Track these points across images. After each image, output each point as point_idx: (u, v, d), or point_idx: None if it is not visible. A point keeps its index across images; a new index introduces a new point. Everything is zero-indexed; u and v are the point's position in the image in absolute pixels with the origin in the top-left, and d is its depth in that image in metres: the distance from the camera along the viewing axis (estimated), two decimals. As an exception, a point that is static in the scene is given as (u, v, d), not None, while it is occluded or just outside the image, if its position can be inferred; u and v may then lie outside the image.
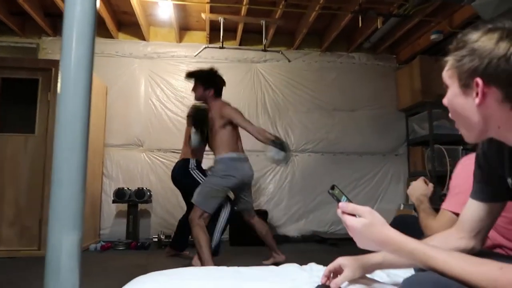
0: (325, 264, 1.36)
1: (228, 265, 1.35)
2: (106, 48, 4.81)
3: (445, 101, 0.90)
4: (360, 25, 4.21)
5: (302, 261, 2.84)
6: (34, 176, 3.70)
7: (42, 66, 3.92)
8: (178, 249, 3.67)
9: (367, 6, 4.07)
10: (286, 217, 4.86)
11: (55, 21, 4.64)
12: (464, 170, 1.34)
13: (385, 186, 5.08)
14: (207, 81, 3.18)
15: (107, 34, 4.76)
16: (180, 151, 4.79)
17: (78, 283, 1.14)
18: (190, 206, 3.30)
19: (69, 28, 1.20)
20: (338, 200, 0.86)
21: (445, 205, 1.37)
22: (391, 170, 5.14)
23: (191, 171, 3.42)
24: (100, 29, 4.60)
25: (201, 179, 3.30)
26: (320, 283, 0.97)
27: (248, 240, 4.37)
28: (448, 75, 0.85)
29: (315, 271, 1.19)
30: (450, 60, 0.85)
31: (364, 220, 0.82)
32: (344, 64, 5.28)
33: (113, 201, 4.36)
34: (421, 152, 4.85)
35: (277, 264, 2.91)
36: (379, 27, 4.29)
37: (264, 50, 4.73)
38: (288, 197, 4.92)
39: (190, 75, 3.30)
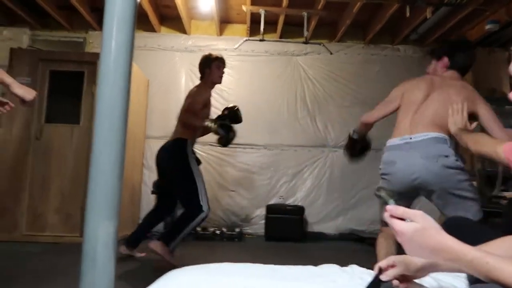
0: (366, 265, 1.28)
1: (263, 262, 1.30)
2: (149, 42, 4.89)
3: (511, 95, 0.78)
4: (407, 15, 4.00)
5: (339, 260, 2.74)
6: (78, 165, 3.83)
7: (87, 59, 4.04)
8: (133, 246, 3.13)
9: (415, -4, 3.86)
10: (323, 214, 4.75)
11: (101, 15, 4.75)
12: None
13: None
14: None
15: (150, 28, 4.84)
16: (216, 144, 4.83)
17: (114, 272, 1.14)
18: (167, 200, 3.14)
19: (109, 21, 1.19)
20: (386, 203, 0.78)
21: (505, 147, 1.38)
22: (437, 169, 4.88)
23: (189, 156, 2.95)
24: (142, 23, 4.68)
25: (196, 169, 2.91)
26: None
27: (284, 234, 4.32)
28: None
29: (357, 273, 1.11)
30: None
31: (415, 225, 0.73)
32: (388, 57, 5.06)
33: (152, 192, 4.43)
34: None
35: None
36: (428, 17, 4.06)
37: (305, 43, 4.63)
38: (326, 193, 4.80)
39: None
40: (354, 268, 1.17)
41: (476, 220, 1.89)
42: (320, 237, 4.52)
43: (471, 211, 1.92)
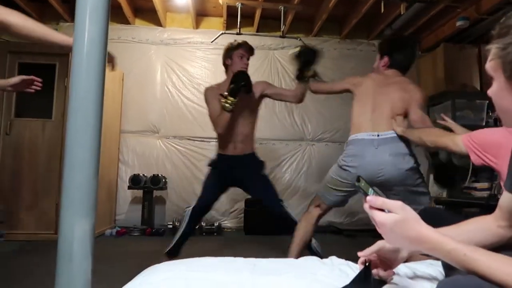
0: (345, 256, 1.30)
1: (243, 255, 1.30)
2: (123, 34, 4.78)
3: (489, 92, 0.81)
4: (382, 10, 4.06)
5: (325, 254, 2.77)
6: (51, 161, 3.72)
7: (59, 51, 3.90)
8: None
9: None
10: (302, 207, 4.79)
11: (73, 7, 4.61)
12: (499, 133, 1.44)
13: (403, 177, 4.96)
14: None
15: (124, 20, 4.73)
16: (194, 138, 4.79)
17: (90, 270, 1.11)
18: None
19: (81, 12, 1.15)
20: (365, 194, 0.78)
21: (464, 138, 1.57)
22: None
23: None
24: (116, 15, 4.57)
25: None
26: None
27: (263, 228, 4.34)
28: (491, 67, 0.76)
29: (336, 265, 1.13)
30: (493, 49, 0.75)
31: (395, 216, 0.74)
32: (364, 52, 5.13)
33: (129, 187, 4.37)
34: (443, 144, 4.70)
35: None
36: (402, 13, 4.14)
37: (282, 37, 4.62)
38: (304, 187, 4.85)
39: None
40: (333, 260, 1.19)
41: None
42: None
43: (424, 203, 2.13)
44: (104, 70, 1.19)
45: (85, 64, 1.15)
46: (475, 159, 1.49)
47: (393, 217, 0.74)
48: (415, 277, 0.99)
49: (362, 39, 5.13)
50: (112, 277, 2.38)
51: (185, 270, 1.06)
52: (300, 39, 4.66)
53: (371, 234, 4.43)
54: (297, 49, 2.59)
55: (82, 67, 1.15)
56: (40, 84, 1.80)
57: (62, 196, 1.09)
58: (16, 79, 1.84)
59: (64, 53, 3.75)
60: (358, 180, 0.79)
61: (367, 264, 0.91)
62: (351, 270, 1.07)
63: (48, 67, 3.84)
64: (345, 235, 4.39)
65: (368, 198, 0.77)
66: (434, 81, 4.74)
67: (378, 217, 0.75)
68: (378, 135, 2.18)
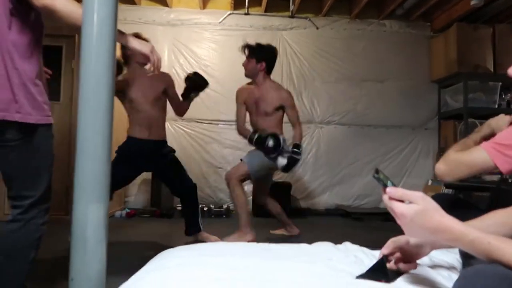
0: (354, 240, 1.29)
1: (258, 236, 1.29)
2: (129, 15, 4.71)
3: (510, 71, 0.76)
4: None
5: (326, 235, 2.78)
6: (60, 144, 3.72)
7: (65, 33, 3.86)
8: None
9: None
10: (309, 190, 4.80)
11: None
12: None
13: (412, 161, 4.93)
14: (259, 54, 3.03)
15: (129, 1, 4.65)
16: (202, 121, 4.76)
17: (105, 254, 1.11)
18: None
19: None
20: (384, 185, 0.76)
21: (485, 145, 1.19)
22: (420, 145, 4.97)
23: None
24: (123, -5, 4.49)
25: None
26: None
27: (267, 211, 4.34)
28: None
29: (351, 251, 1.12)
30: None
31: (416, 207, 0.72)
32: (374, 32, 5.02)
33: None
34: (454, 127, 4.63)
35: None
36: (414, -9, 4.02)
37: (291, 17, 4.54)
38: (312, 170, 4.84)
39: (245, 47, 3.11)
40: (347, 246, 1.18)
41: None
42: (307, 213, 4.57)
43: None
44: (114, 52, 1.17)
45: (95, 46, 1.12)
46: (502, 164, 1.17)
47: (414, 207, 0.72)
48: (432, 264, 0.97)
49: (373, 19, 5.02)
50: (125, 259, 2.41)
51: (197, 255, 1.06)
52: (309, 19, 4.57)
53: (380, 217, 4.45)
54: (192, 75, 2.92)
55: (92, 50, 1.12)
56: (50, 73, 1.78)
57: (74, 182, 1.09)
58: None
59: (70, 35, 3.72)
60: (376, 172, 0.78)
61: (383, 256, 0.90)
62: (366, 256, 1.06)
63: (54, 49, 3.81)
64: (353, 218, 4.39)
65: (387, 189, 0.75)
66: (446, 62, 4.64)
67: (398, 208, 0.73)
68: None
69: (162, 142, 2.89)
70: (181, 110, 3.04)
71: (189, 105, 2.99)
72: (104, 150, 1.09)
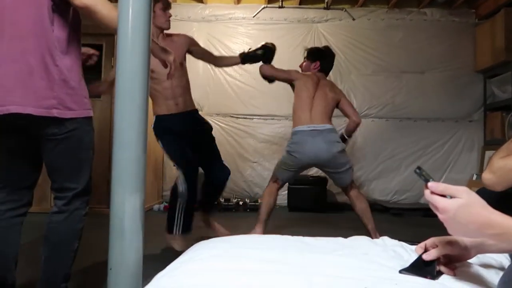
0: (393, 235, 1.24)
1: (288, 232, 1.27)
2: (165, 12, 4.79)
3: None
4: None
5: (364, 230, 2.71)
6: (101, 139, 3.86)
7: (105, 31, 3.99)
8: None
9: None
10: (347, 184, 4.71)
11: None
12: None
13: (455, 155, 4.71)
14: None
15: (166, -2, 4.73)
16: (237, 115, 4.78)
17: (142, 245, 1.14)
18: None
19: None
20: (426, 180, 0.74)
21: None
22: (464, 138, 4.74)
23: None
24: (159, -7, 4.57)
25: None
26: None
27: (307, 205, 4.32)
28: None
29: (389, 246, 1.08)
30: None
31: (459, 201, 0.68)
32: (414, 21, 4.83)
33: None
34: (501, 118, 4.38)
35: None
36: (457, -23, 3.82)
37: (326, 8, 4.45)
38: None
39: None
40: (385, 240, 1.14)
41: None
42: (343, 207, 4.49)
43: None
44: (149, 50, 1.18)
45: (130, 43, 1.14)
46: None
47: (457, 201, 0.68)
48: (479, 262, 0.92)
49: (412, 8, 4.82)
50: (161, 250, 2.47)
51: (232, 247, 1.05)
52: (345, 10, 4.46)
53: (420, 213, 4.30)
54: (262, 50, 2.78)
55: (127, 47, 1.14)
56: (97, 53, 1.84)
57: (112, 174, 1.12)
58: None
59: (110, 33, 3.83)
60: (419, 168, 0.75)
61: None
62: (406, 252, 1.01)
63: (95, 47, 3.93)
64: (392, 214, 4.27)
65: (429, 184, 0.72)
66: (492, 51, 4.39)
67: (441, 203, 0.69)
68: (315, 127, 2.73)
69: (195, 112, 2.72)
70: (223, 62, 3.00)
71: (237, 63, 2.83)
72: (140, 142, 1.11)
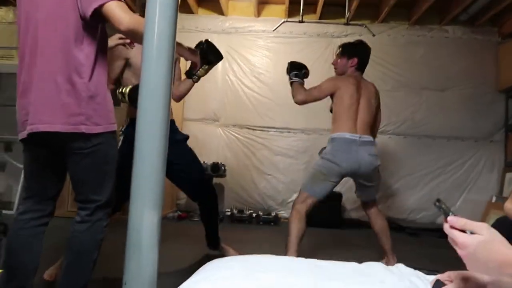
0: (411, 256, 1.22)
1: (302, 248, 1.26)
2: (186, 24, 4.88)
3: None
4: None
5: (378, 249, 2.65)
6: (120, 147, 3.94)
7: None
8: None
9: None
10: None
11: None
12: None
13: (475, 175, 4.61)
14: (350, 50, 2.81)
15: (188, 10, 4.82)
16: (254, 127, 4.80)
17: (157, 260, 1.15)
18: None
19: (152, 4, 1.17)
20: (446, 214, 0.73)
21: None
22: (484, 158, 4.64)
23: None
24: (181, 4, 4.66)
25: None
26: None
27: (322, 221, 4.27)
28: None
29: (405, 275, 1.06)
30: None
31: (480, 237, 0.67)
32: (435, 38, 4.79)
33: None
34: (523, 139, 4.29)
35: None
36: (481, -5, 3.79)
37: (346, 24, 4.45)
38: (364, 180, 4.69)
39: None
40: (401, 268, 1.12)
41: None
42: (357, 224, 4.44)
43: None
44: (172, 65, 1.20)
45: (155, 59, 1.16)
46: None
47: (477, 238, 0.67)
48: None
49: (434, 25, 4.79)
50: (174, 263, 2.48)
51: (245, 268, 1.05)
52: (365, 26, 4.45)
53: (436, 234, 4.19)
54: (203, 45, 2.25)
55: (152, 62, 1.17)
56: (128, 41, 1.84)
57: (131, 188, 1.13)
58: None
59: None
60: (438, 200, 0.74)
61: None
62: (422, 282, 1.00)
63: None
64: (408, 233, 4.19)
65: (449, 218, 0.71)
66: (515, 70, 4.31)
67: (460, 238, 0.68)
68: (359, 137, 2.55)
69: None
70: (176, 95, 2.51)
71: (192, 86, 2.50)
72: (160, 160, 1.12)
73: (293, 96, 2.72)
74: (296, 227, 2.47)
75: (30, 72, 1.43)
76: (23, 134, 1.46)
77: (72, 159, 1.48)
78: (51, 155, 1.51)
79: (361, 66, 2.80)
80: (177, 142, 2.33)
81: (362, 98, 2.66)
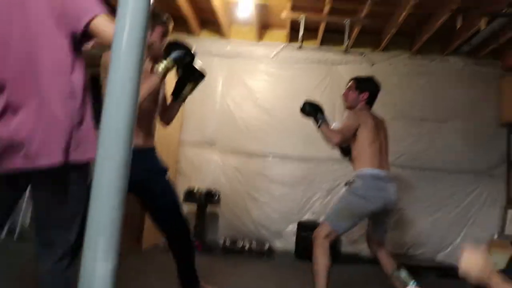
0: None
1: (291, 283, 1.13)
2: (188, 46, 4.85)
3: None
4: (458, 26, 3.70)
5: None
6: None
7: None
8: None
9: (468, 5, 3.56)
10: (358, 234, 4.48)
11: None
12: None
13: (476, 210, 4.46)
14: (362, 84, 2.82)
15: (190, 31, 4.78)
16: (250, 153, 4.69)
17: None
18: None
19: (122, 19, 1.07)
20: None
21: None
22: (485, 194, 4.49)
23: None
24: (184, 26, 4.62)
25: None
26: None
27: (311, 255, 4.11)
28: None
29: None
30: None
31: None
32: (437, 68, 4.73)
33: (183, 200, 4.38)
34: (526, 176, 4.16)
35: None
36: (482, 28, 3.74)
37: (346, 52, 4.41)
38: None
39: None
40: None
41: None
42: (354, 258, 4.27)
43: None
44: (139, 83, 1.09)
45: (120, 75, 1.05)
46: None
47: None
48: None
49: (435, 55, 4.74)
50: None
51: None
52: (364, 55, 4.41)
53: (434, 272, 4.01)
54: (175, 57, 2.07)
55: (117, 79, 1.05)
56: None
57: (86, 232, 1.02)
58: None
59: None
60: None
61: None
62: None
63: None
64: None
65: None
66: (518, 105, 4.23)
67: None
68: (387, 173, 2.61)
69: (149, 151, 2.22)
70: (169, 115, 2.36)
71: (179, 107, 2.34)
72: (118, 195, 1.01)
73: (329, 139, 2.62)
74: (323, 264, 2.46)
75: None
76: None
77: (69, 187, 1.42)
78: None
79: (371, 101, 2.81)
80: (152, 171, 2.21)
81: (380, 133, 2.68)
